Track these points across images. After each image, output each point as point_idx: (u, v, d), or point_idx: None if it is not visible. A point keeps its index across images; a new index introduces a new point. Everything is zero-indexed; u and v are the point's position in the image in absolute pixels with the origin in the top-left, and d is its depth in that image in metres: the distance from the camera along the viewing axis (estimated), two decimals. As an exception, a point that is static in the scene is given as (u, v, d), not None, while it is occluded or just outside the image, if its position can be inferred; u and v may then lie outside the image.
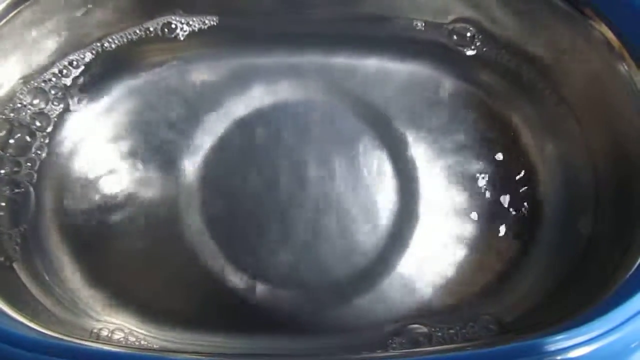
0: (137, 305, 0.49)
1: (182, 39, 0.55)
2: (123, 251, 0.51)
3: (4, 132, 0.50)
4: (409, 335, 0.48)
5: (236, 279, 0.50)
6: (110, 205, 0.52)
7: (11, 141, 0.51)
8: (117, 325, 0.48)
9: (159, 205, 0.52)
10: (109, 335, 0.47)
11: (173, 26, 0.54)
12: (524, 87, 0.54)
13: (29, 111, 0.52)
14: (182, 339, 0.48)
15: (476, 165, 0.53)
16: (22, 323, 0.40)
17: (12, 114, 0.51)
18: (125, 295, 0.49)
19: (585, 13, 0.48)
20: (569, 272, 0.49)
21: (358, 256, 0.51)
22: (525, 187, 0.52)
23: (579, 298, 0.44)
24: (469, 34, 0.55)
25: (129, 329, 0.48)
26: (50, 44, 0.52)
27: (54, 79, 0.52)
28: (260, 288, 0.50)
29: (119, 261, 0.50)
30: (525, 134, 0.54)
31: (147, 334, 0.48)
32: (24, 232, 0.49)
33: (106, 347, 0.42)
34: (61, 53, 0.52)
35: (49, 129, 0.52)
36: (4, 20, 0.48)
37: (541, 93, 0.54)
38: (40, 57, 0.52)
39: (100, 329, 0.47)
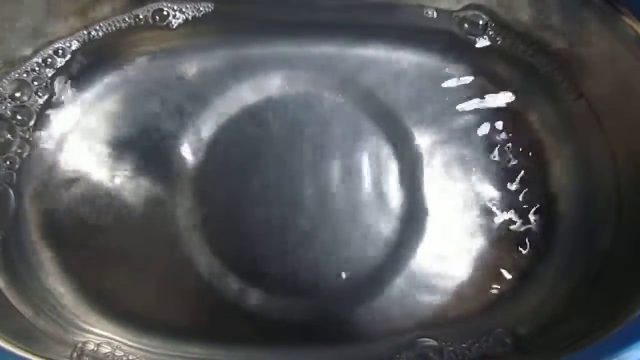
0: (127, 316, 0.48)
1: (174, 27, 0.52)
2: (112, 257, 0.49)
3: (-19, 128, 0.49)
4: (418, 350, 0.47)
5: (233, 286, 0.49)
6: (97, 207, 0.50)
7: (-10, 138, 0.50)
8: (104, 338, 0.47)
9: (151, 207, 0.50)
10: (95, 349, 0.46)
11: (165, 13, 0.52)
12: (540, 81, 0.52)
13: (9, 105, 0.50)
14: (175, 351, 0.47)
15: (487, 167, 0.52)
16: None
17: (-10, 109, 0.50)
18: (113, 305, 0.49)
19: (619, 9, 0.46)
20: (585, 286, 0.48)
21: (363, 263, 0.50)
22: (540, 192, 0.51)
23: (597, 314, 0.44)
24: (481, 22, 0.52)
25: (116, 341, 0.47)
26: (33, 32, 0.49)
27: (37, 69, 0.50)
28: (259, 296, 0.49)
29: (107, 268, 0.49)
30: (541, 132, 0.52)
31: (137, 347, 0.47)
32: (3, 238, 0.48)
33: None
34: (45, 41, 0.50)
35: (31, 124, 0.50)
36: (-19, 6, 0.46)
37: (559, 87, 0.51)
38: (22, 46, 0.50)
39: (86, 343, 0.46)
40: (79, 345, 0.46)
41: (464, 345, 0.47)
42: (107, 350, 0.46)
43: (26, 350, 0.40)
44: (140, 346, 0.47)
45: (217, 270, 0.49)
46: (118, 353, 0.46)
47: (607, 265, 0.47)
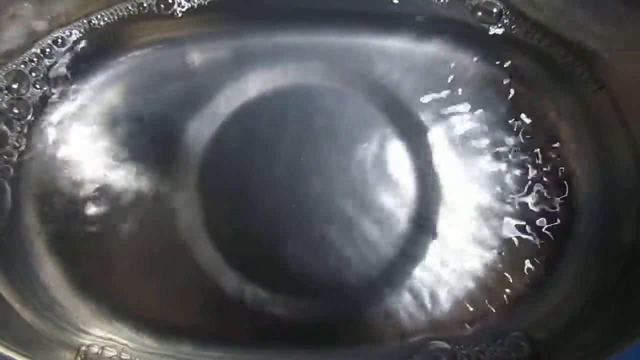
0: (131, 317, 0.48)
1: (179, 16, 0.51)
2: (113, 255, 0.49)
3: (-23, 122, 0.48)
4: (430, 353, 0.47)
5: (240, 287, 0.48)
6: (98, 202, 0.49)
7: (-14, 132, 0.49)
8: (108, 341, 0.46)
9: (154, 203, 0.49)
10: (99, 352, 0.45)
11: (170, 1, 0.51)
12: (558, 72, 0.51)
13: (5, 97, 0.49)
14: (182, 354, 0.47)
15: (502, 161, 0.50)
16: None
17: (-15, 102, 0.49)
18: (117, 305, 0.48)
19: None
20: (608, 286, 0.46)
21: (373, 262, 0.49)
22: (559, 187, 0.50)
23: (617, 320, 0.43)
24: (495, 10, 0.51)
25: (121, 344, 0.46)
26: (31, 21, 0.48)
27: (35, 60, 0.49)
28: (266, 297, 0.48)
29: (109, 266, 0.49)
30: (559, 125, 0.51)
31: (143, 350, 0.47)
32: (0, 235, 0.47)
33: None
34: (43, 31, 0.49)
35: (29, 117, 0.49)
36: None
37: (578, 78, 0.50)
38: (19, 36, 0.48)
39: (90, 346, 0.45)
40: (83, 348, 0.45)
41: (477, 348, 0.46)
42: (112, 354, 0.45)
43: (28, 356, 0.39)
44: (146, 349, 0.46)
45: (224, 271, 0.48)
46: (124, 356, 0.45)
47: (628, 267, 0.46)
